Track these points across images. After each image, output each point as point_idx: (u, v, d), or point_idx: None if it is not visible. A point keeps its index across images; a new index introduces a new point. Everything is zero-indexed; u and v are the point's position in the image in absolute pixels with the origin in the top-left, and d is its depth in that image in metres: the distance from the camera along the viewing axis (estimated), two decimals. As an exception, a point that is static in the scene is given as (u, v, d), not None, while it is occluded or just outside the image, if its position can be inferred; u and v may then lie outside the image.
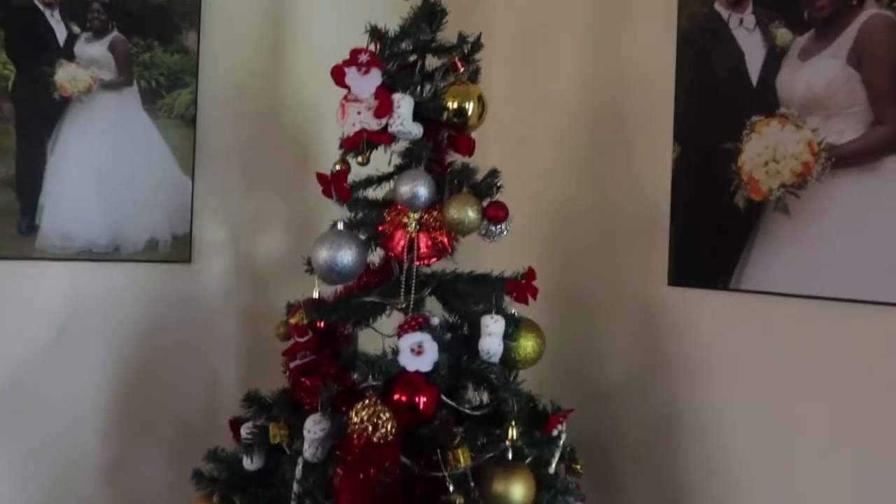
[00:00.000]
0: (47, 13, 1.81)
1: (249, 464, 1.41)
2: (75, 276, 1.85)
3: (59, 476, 1.84)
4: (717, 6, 1.58)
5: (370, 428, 1.14)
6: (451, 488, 1.23)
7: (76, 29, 1.83)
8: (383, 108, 1.37)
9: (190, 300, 1.98)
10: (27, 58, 1.78)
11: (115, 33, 1.87)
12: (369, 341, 1.53)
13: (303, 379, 1.33)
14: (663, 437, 1.67)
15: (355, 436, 1.15)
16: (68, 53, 1.82)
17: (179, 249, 1.95)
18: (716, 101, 1.58)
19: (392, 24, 1.50)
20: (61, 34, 1.82)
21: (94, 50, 1.85)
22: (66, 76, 1.82)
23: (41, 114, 1.80)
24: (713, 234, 1.56)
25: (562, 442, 1.36)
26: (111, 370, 1.89)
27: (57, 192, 1.82)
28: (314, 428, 1.23)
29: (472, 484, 1.26)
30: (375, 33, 1.45)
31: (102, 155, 1.87)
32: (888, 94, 1.27)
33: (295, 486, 1.30)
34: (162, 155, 1.93)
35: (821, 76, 1.37)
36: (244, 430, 1.44)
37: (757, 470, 1.47)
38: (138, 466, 1.92)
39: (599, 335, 1.84)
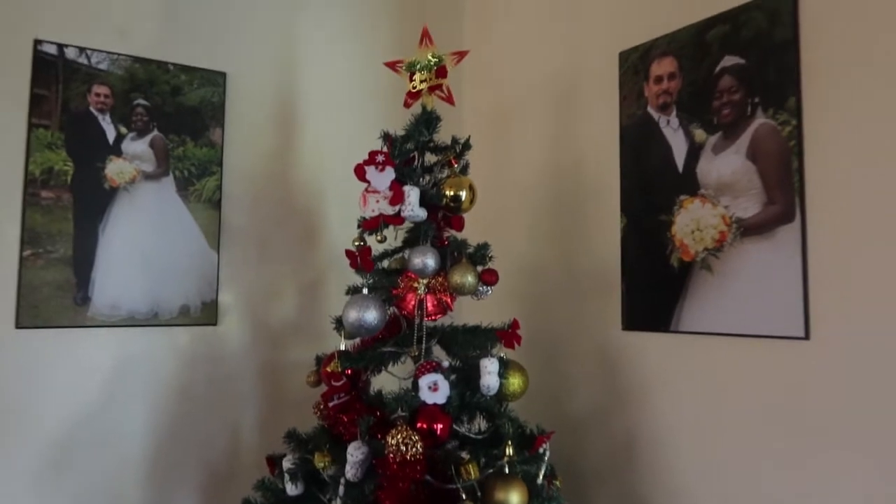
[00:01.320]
0: (100, 117, 2.14)
1: (293, 489, 1.71)
2: (121, 340, 2.13)
3: (104, 517, 2.09)
4: (650, 109, 2.02)
5: (403, 448, 1.47)
6: (464, 496, 1.56)
7: (123, 129, 2.17)
8: (397, 197, 1.74)
9: (216, 358, 2.27)
10: (83, 155, 2.10)
11: (154, 132, 2.22)
12: (379, 384, 1.86)
13: (340, 415, 1.65)
14: (623, 457, 2.02)
15: (391, 455, 1.48)
16: (116, 150, 2.15)
17: (207, 314, 2.26)
18: (652, 182, 2.00)
19: (381, 122, 1.83)
20: (111, 134, 2.15)
21: (137, 147, 2.19)
22: (115, 169, 2.15)
23: (94, 202, 2.11)
24: (655, 287, 1.96)
25: (546, 458, 1.70)
26: (150, 421, 2.16)
27: (107, 268, 2.12)
28: (356, 452, 1.54)
29: (479, 493, 1.59)
30: (388, 138, 1.83)
31: (144, 234, 2.18)
32: (776, 181, 1.70)
33: (338, 502, 1.61)
34: (193, 233, 2.25)
35: (728, 167, 1.81)
36: (287, 462, 1.74)
37: (698, 474, 1.83)
38: (174, 505, 2.19)
39: (566, 373, 2.20)
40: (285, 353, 2.39)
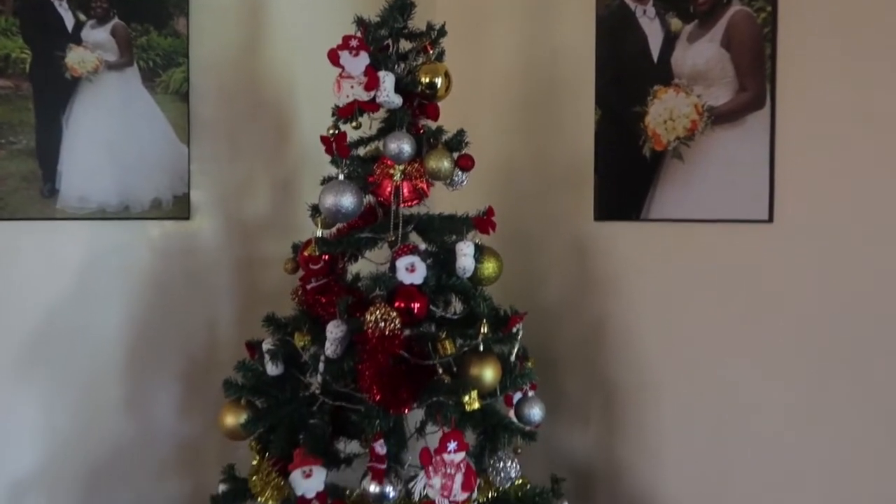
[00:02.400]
0: (56, 3, 2.04)
1: (273, 369, 1.75)
2: (92, 233, 2.11)
3: (84, 406, 2.10)
4: (626, -1, 2.01)
5: (382, 324, 1.52)
6: (440, 371, 1.63)
7: (82, 16, 2.08)
8: (371, 83, 1.71)
9: (190, 252, 2.27)
10: (41, 43, 2.02)
11: (115, 20, 2.12)
12: (355, 271, 1.89)
13: (319, 297, 1.68)
14: (593, 343, 2.11)
15: (370, 330, 1.52)
16: (76, 38, 2.07)
17: (180, 208, 2.24)
18: (626, 73, 2.01)
19: (354, 9, 1.79)
20: (69, 21, 2.06)
21: (98, 35, 2.10)
22: (76, 58, 2.07)
23: (56, 92, 2.04)
24: (627, 177, 2.00)
25: (519, 337, 1.76)
26: (125, 314, 2.17)
27: (73, 160, 2.07)
28: (335, 330, 1.59)
29: (455, 369, 1.66)
30: (361, 23, 1.79)
31: (110, 126, 2.12)
32: (748, 69, 1.72)
33: (318, 378, 1.67)
34: (161, 126, 2.20)
35: (702, 55, 1.82)
36: (266, 344, 1.78)
37: (663, 355, 1.92)
38: (153, 396, 2.22)
39: (539, 264, 2.26)
40: (260, 248, 2.39)
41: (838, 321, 1.56)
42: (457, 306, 1.79)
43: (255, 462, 1.75)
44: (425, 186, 1.76)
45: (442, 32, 1.84)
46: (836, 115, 1.56)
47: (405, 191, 1.76)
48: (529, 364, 1.87)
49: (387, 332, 1.51)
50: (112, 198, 2.14)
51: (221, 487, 1.85)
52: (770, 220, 1.68)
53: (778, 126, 1.67)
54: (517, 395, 1.80)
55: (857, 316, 1.53)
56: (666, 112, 1.90)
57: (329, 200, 1.68)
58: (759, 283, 1.70)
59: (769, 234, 1.68)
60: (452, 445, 1.53)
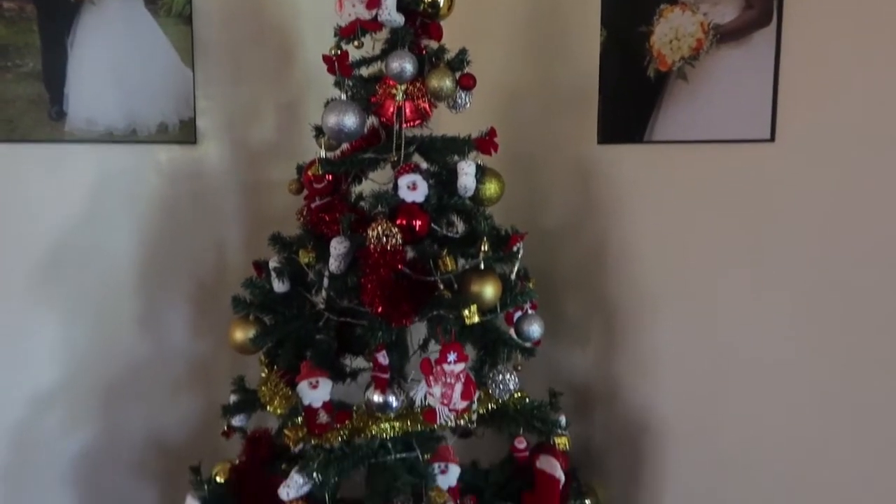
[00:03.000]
0: (56, -80, 2.03)
1: (280, 286, 1.80)
2: (101, 156, 2.15)
3: (100, 325, 2.19)
4: (634, -87, 1.95)
5: (384, 239, 1.55)
6: (441, 287, 1.67)
7: (82, -65, 2.06)
8: (373, 1, 1.70)
9: (198, 176, 2.30)
10: (42, -39, 2.01)
11: (115, -62, 2.11)
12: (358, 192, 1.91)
13: (323, 215, 1.72)
14: (593, 265, 2.14)
15: (372, 246, 1.56)
16: (77, -43, 2.06)
17: (186, 132, 2.26)
18: (633, -7, 1.98)
19: None
20: (70, -61, 2.05)
21: (99, -46, 2.09)
22: (78, -21, 2.06)
23: (59, 14, 2.04)
24: (631, 99, 1.99)
25: (520, 256, 1.79)
26: (136, 237, 2.22)
27: (78, 83, 2.09)
28: (339, 246, 1.62)
29: (456, 286, 1.70)
30: (362, -61, 1.76)
31: (114, 50, 2.13)
32: (756, -16, 1.69)
33: (323, 294, 1.71)
34: (165, 49, 2.21)
35: (710, -30, 1.78)
36: (273, 262, 1.82)
37: (663, 276, 1.95)
38: (165, 316, 2.30)
39: (543, 187, 2.27)
40: (265, 172, 2.42)
41: (838, 239, 1.57)
42: (458, 226, 1.82)
43: (263, 374, 1.82)
44: (427, 106, 1.77)
45: (445, -52, 1.81)
46: (843, 34, 1.53)
47: (407, 111, 1.77)
48: (530, 284, 1.91)
49: (389, 248, 1.54)
50: (119, 121, 2.16)
51: (232, 398, 1.93)
52: (772, 139, 1.67)
53: (783, 44, 1.65)
54: (517, 314, 1.84)
55: (856, 234, 1.54)
56: (671, 31, 1.87)
57: (332, 120, 1.69)
58: (760, 203, 1.71)
59: (771, 153, 1.68)
60: (452, 356, 1.58)
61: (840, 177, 1.56)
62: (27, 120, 2.03)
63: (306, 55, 2.43)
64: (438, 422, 1.63)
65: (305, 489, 1.60)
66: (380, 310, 1.53)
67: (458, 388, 1.60)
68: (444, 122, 2.06)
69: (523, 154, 2.29)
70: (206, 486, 1.84)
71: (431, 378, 1.59)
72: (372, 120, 1.85)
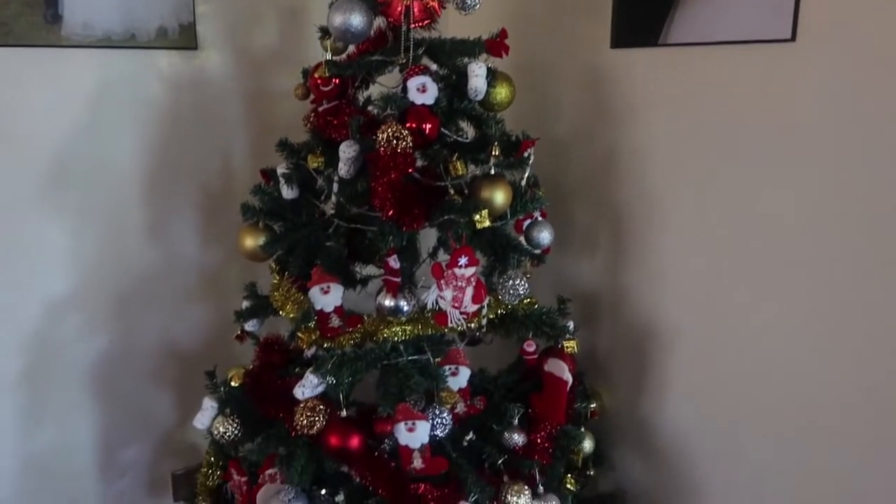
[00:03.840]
0: None
1: (289, 193, 1.79)
2: (99, 61, 2.08)
3: (108, 233, 2.18)
4: None
5: (394, 142, 1.52)
6: (452, 192, 1.65)
7: None
8: None
9: (200, 83, 2.25)
10: None
11: None
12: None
13: (330, 119, 1.68)
14: (604, 173, 2.11)
15: (382, 148, 1.53)
16: None
17: (186, 37, 2.19)
18: None
19: None
20: None
21: None
22: None
23: None
24: (646, 1, 1.92)
25: (531, 162, 1.77)
26: (140, 144, 2.19)
27: (73, -17, 2.01)
28: (348, 150, 1.60)
29: (466, 192, 1.68)
30: None
31: (109, -53, 2.04)
32: None
33: (333, 198, 1.71)
34: (161, -53, 2.11)
35: None
36: (281, 168, 1.81)
37: (674, 184, 1.93)
38: (173, 224, 2.29)
39: (553, 94, 2.22)
40: (269, 80, 2.36)
41: (855, 146, 1.54)
42: (468, 131, 1.79)
43: (275, 280, 1.83)
44: (436, 5, 1.70)
45: None
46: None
47: (416, 10, 1.70)
48: (540, 193, 1.89)
49: (399, 150, 1.52)
50: (116, 25, 2.09)
51: (245, 304, 1.96)
52: (793, 38, 1.62)
53: (810, -65, 1.57)
54: (527, 221, 1.84)
55: (879, 141, 1.51)
56: (692, -75, 1.79)
57: (338, 19, 1.63)
58: (779, 106, 1.67)
59: (791, 53, 1.63)
60: (463, 260, 1.59)
61: (866, 79, 1.51)
62: (22, 23, 1.96)
63: (308, -44, 2.33)
64: (449, 325, 1.65)
65: (320, 389, 1.64)
66: (391, 213, 1.53)
67: (469, 291, 1.61)
68: (453, 25, 2.00)
69: (534, 58, 2.22)
70: (221, 389, 1.88)
71: (442, 282, 1.60)
72: (379, 21, 1.79)
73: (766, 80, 1.69)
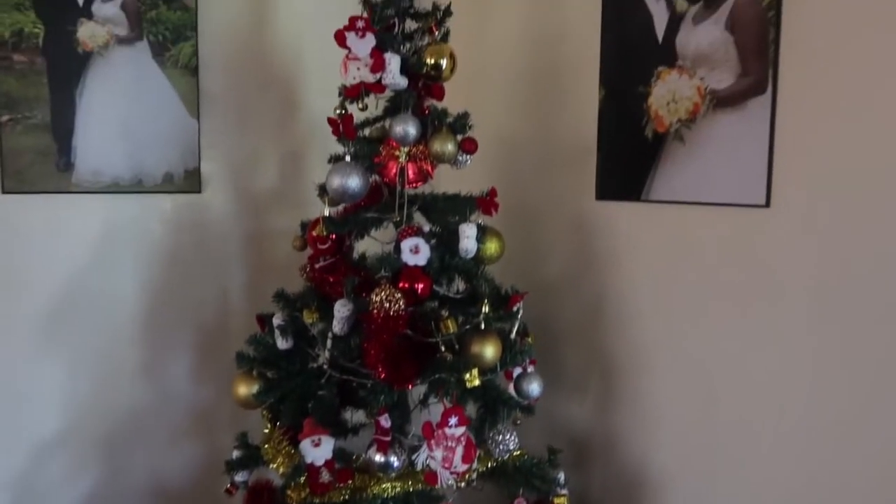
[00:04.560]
0: (66, -23, 2.07)
1: (283, 343, 1.83)
2: (107, 206, 2.18)
3: (104, 373, 2.21)
4: (633, -23, 2.00)
5: (387, 305, 1.58)
6: (443, 349, 1.69)
7: (92, -9, 2.10)
8: (377, 65, 1.74)
9: (202, 225, 2.34)
10: (53, 17, 2.05)
11: (125, -6, 2.15)
12: (362, 249, 1.95)
13: (327, 276, 1.74)
14: (592, 319, 2.16)
15: (375, 311, 1.58)
16: (87, 13, 2.10)
17: (191, 182, 2.30)
18: (632, 53, 2.01)
19: None
20: (80, -4, 2.09)
21: (108, 10, 2.13)
22: (87, 33, 2.10)
23: (68, 66, 2.08)
24: (629, 158, 2.02)
25: (520, 315, 1.82)
26: (141, 285, 2.25)
27: (86, 134, 2.13)
28: (342, 309, 1.65)
29: (457, 347, 1.72)
30: (367, 3, 1.80)
31: (122, 101, 2.17)
32: (752, 53, 1.73)
33: (325, 354, 1.74)
34: (171, 100, 2.24)
35: (706, 37, 1.82)
36: (277, 319, 1.85)
37: (659, 331, 1.98)
38: (169, 363, 2.32)
39: (542, 241, 2.31)
40: (269, 220, 2.45)
41: (832, 305, 1.60)
42: (459, 285, 1.85)
43: (266, 430, 1.84)
44: (430, 168, 1.80)
45: (447, 13, 1.85)
46: (837, 104, 1.57)
47: (410, 172, 1.80)
48: (529, 340, 1.93)
49: (391, 313, 1.57)
50: (125, 172, 2.19)
51: (235, 453, 1.95)
52: (767, 204, 1.71)
53: (778, 112, 1.69)
54: (517, 371, 1.87)
55: (850, 302, 1.57)
56: (669, 94, 1.92)
57: (336, 182, 1.72)
58: (755, 266, 1.74)
59: (766, 218, 1.72)
60: (454, 420, 1.61)
61: (833, 244, 1.59)
62: (35, 171, 2.06)
63: (310, 105, 2.47)
64: (440, 484, 1.65)
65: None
66: (383, 375, 1.56)
67: (460, 451, 1.62)
68: (446, 175, 2.10)
69: (524, 207, 2.32)
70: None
71: (433, 442, 1.61)
72: (375, 177, 1.88)
73: (742, 241, 1.77)
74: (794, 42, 1.65)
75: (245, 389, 1.86)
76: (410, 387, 1.61)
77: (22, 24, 2.02)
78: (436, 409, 1.70)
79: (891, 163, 1.50)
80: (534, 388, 1.83)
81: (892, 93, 1.49)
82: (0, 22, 1.98)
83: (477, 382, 1.63)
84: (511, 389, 1.86)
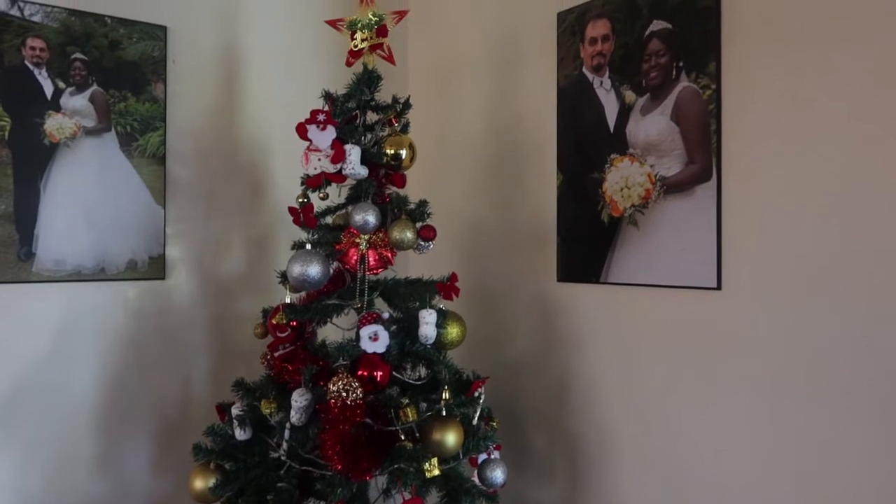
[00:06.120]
0: (36, 71, 2.12)
1: (242, 434, 1.80)
2: (68, 295, 2.16)
3: (57, 465, 2.13)
4: (585, 70, 2.10)
5: (344, 394, 1.57)
6: (403, 437, 1.67)
7: (61, 84, 2.15)
8: (338, 156, 1.79)
9: (165, 311, 2.32)
10: (20, 110, 2.08)
11: (94, 87, 2.20)
12: (325, 334, 1.95)
13: (286, 364, 1.74)
14: (557, 399, 2.16)
15: (333, 400, 1.57)
16: (55, 105, 2.14)
17: (155, 268, 2.29)
18: (586, 141, 2.09)
19: (325, 80, 1.85)
20: (48, 89, 2.13)
21: (77, 102, 2.17)
22: (54, 125, 2.14)
23: (34, 158, 2.10)
24: (587, 242, 2.08)
25: (482, 401, 1.81)
26: (100, 374, 2.21)
27: (50, 224, 2.13)
28: (300, 399, 1.64)
29: (417, 434, 1.71)
30: (329, 98, 1.87)
31: (87, 190, 2.18)
32: (696, 143, 1.81)
33: (284, 445, 1.71)
34: (137, 188, 2.27)
35: (654, 127, 1.91)
36: (235, 409, 1.82)
37: (624, 414, 1.98)
38: (126, 454, 2.25)
39: (505, 322, 2.32)
40: (233, 305, 2.44)
41: (784, 382, 1.63)
42: (421, 371, 1.84)
43: (222, 526, 1.78)
44: (390, 255, 1.83)
45: (407, 105, 1.93)
46: (779, 189, 1.64)
47: (371, 259, 1.83)
48: (494, 424, 1.92)
49: (349, 402, 1.56)
50: (88, 260, 2.19)
51: (190, 551, 1.88)
52: (719, 287, 1.75)
53: (724, 198, 1.75)
54: (482, 457, 1.85)
55: (801, 379, 1.60)
56: (622, 180, 1.98)
57: (297, 270, 1.74)
58: (710, 346, 1.77)
59: (718, 300, 1.76)
60: (413, 513, 1.57)
61: (784, 324, 1.63)
62: (-5, 261, 2.05)
63: (276, 192, 2.51)
64: (400, 581, 1.60)
65: None
66: (339, 467, 1.53)
67: (420, 545, 1.58)
68: (412, 258, 2.13)
69: (486, 289, 2.35)
70: None
71: (392, 536, 1.57)
72: (336, 264, 1.90)
73: (697, 322, 1.80)
74: (735, 132, 1.73)
75: (202, 483, 1.81)
76: (369, 478, 1.58)
77: (-11, 116, 2.05)
78: (399, 500, 1.67)
79: (834, 244, 1.55)
80: (497, 475, 1.80)
81: (831, 178, 1.56)
82: (-33, 115, 2.02)
83: (436, 472, 1.61)
84: (475, 476, 1.83)
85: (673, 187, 1.86)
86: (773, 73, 1.66)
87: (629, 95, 1.97)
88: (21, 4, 2.08)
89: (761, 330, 1.68)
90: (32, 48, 2.10)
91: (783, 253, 1.64)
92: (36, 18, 2.11)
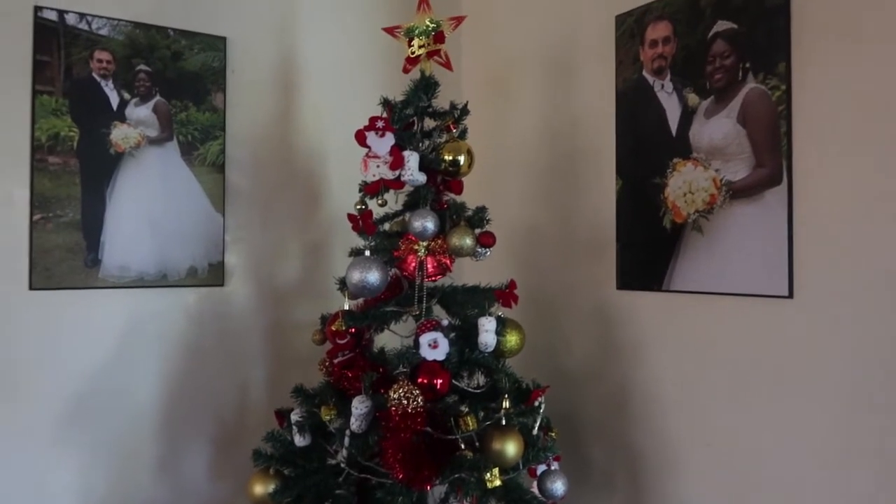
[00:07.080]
0: (103, 83, 2.18)
1: (301, 440, 1.80)
2: (131, 301, 2.20)
3: (120, 468, 2.18)
4: (645, 73, 2.06)
5: (405, 402, 1.56)
6: (462, 446, 1.65)
7: (126, 95, 2.20)
8: (397, 162, 1.79)
9: (224, 317, 2.35)
10: (88, 121, 2.14)
11: (157, 97, 2.25)
12: (381, 342, 1.95)
13: (345, 371, 1.73)
14: (617, 410, 2.11)
15: (393, 408, 1.56)
16: (120, 116, 2.19)
17: (214, 275, 2.33)
18: (646, 145, 2.05)
19: (381, 87, 1.84)
20: (114, 100, 2.19)
21: (141, 112, 2.23)
22: (120, 135, 2.19)
23: (101, 167, 2.16)
24: (648, 248, 2.03)
25: (541, 411, 1.78)
26: (161, 379, 2.25)
27: (115, 231, 2.18)
28: (360, 405, 1.63)
29: (477, 444, 1.68)
30: (387, 104, 1.87)
31: (150, 199, 2.23)
32: (765, 145, 1.75)
33: (343, 452, 1.71)
34: (198, 196, 2.31)
35: (719, 131, 1.85)
36: (295, 415, 1.83)
37: (686, 425, 1.92)
38: (185, 458, 2.28)
39: (562, 330, 2.28)
40: (290, 312, 2.46)
41: (859, 397, 1.55)
42: (480, 378, 1.82)
43: (283, 532, 1.79)
44: (448, 262, 1.81)
45: (465, 111, 1.91)
46: (853, 193, 1.58)
47: (429, 266, 1.81)
48: (553, 434, 1.89)
49: (409, 410, 1.55)
50: (151, 267, 2.23)
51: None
52: (790, 295, 1.69)
53: (795, 203, 1.69)
54: (541, 468, 1.82)
55: (878, 394, 1.52)
56: (685, 185, 1.93)
57: (356, 276, 1.74)
58: (781, 357, 1.70)
59: (790, 309, 1.69)
60: (474, 523, 1.55)
61: (860, 335, 1.55)
62: (64, 268, 2.11)
63: (332, 199, 2.53)
64: (461, 591, 1.58)
65: None
66: (400, 476, 1.52)
67: (481, 556, 1.55)
68: (469, 265, 2.11)
69: (544, 297, 2.31)
70: None
71: (453, 547, 1.55)
72: (395, 270, 1.90)
73: (767, 332, 1.73)
74: (806, 134, 1.67)
75: (261, 488, 1.82)
76: (429, 487, 1.56)
77: (58, 128, 2.11)
78: (457, 510, 1.65)
79: (914, 253, 1.48)
80: (558, 486, 1.77)
81: (909, 183, 1.49)
82: (38, 127, 2.08)
83: (498, 482, 1.58)
84: (535, 488, 1.80)
85: (740, 192, 1.80)
86: (847, 73, 1.59)
87: (692, 98, 1.92)
88: (89, 18, 2.14)
89: (836, 340, 1.60)
90: (100, 60, 2.16)
91: (859, 259, 1.57)
92: (103, 32, 2.17)
